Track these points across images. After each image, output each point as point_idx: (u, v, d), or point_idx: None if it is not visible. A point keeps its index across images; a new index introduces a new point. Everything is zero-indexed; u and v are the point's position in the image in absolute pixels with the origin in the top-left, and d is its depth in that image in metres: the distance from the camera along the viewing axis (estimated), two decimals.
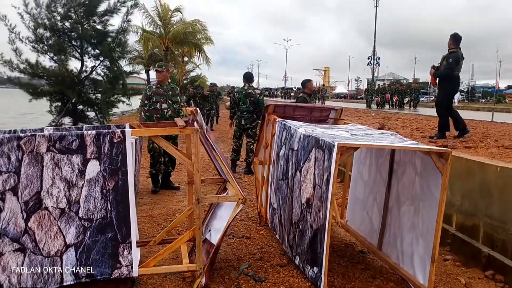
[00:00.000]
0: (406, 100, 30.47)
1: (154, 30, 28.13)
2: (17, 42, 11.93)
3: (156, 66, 6.66)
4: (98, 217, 3.32)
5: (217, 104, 21.37)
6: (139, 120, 6.57)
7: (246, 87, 8.38)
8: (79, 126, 3.97)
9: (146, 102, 6.47)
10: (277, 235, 4.59)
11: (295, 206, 3.96)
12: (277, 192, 4.57)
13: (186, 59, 35.88)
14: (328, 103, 39.09)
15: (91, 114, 13.43)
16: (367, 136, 3.97)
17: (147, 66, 32.75)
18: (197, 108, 3.44)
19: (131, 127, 4.00)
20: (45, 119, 14.01)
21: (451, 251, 4.70)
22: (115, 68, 13.01)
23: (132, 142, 3.46)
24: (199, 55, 30.47)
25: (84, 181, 3.28)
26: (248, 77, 8.56)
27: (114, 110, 14.34)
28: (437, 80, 7.84)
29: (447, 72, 7.46)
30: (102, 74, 13.25)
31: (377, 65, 50.52)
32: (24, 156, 3.18)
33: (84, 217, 3.30)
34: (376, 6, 45.83)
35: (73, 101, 12.48)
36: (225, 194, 3.92)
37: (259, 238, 4.77)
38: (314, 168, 3.59)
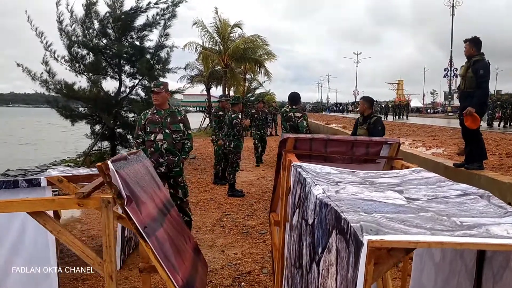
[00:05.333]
0: None
1: (213, 47, 27.41)
2: (53, 61, 11.27)
3: (152, 85, 5.07)
4: None
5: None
6: None
7: (288, 109, 6.90)
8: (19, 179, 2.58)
9: (140, 133, 4.99)
10: None
11: None
12: (289, 283, 2.92)
13: (248, 76, 35.02)
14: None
15: (130, 137, 12.50)
16: (437, 201, 2.21)
17: (207, 84, 32.16)
18: (109, 162, 1.87)
19: (49, 182, 2.57)
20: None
21: None
22: None
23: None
24: (259, 71, 29.39)
25: None
26: (291, 99, 7.06)
27: None
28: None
29: (485, 87, 6.10)
30: (142, 94, 12.29)
31: (454, 76, 47.03)
32: None
33: None
34: (452, 15, 42.65)
35: (111, 123, 11.55)
36: None
37: None
38: (336, 269, 1.91)
